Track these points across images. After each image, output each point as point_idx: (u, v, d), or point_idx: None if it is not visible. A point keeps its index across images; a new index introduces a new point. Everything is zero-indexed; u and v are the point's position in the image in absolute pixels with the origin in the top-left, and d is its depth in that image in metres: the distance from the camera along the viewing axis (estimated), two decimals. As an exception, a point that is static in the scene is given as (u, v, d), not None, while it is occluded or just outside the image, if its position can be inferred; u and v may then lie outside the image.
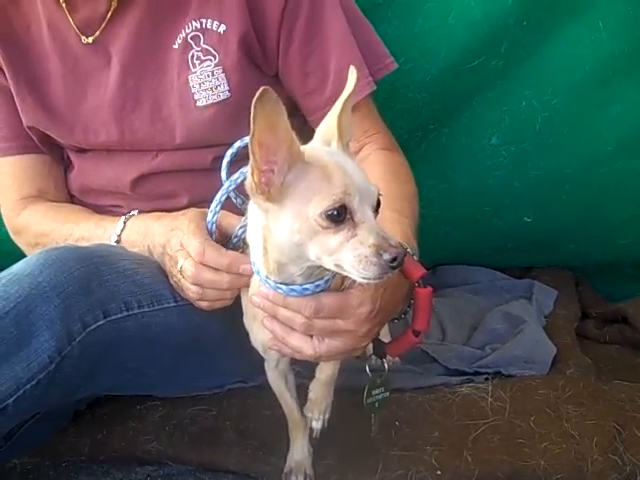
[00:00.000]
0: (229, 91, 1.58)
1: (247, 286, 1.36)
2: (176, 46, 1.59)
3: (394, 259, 1.07)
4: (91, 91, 1.66)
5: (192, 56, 1.59)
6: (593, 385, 1.74)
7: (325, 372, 1.44)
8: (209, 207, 1.39)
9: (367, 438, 1.59)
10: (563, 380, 1.75)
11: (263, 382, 1.71)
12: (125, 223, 1.59)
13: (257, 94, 1.01)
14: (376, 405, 1.48)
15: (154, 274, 1.50)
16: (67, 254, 1.39)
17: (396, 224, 1.42)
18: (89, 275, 1.38)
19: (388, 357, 1.63)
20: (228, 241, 1.41)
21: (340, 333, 1.28)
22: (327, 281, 1.23)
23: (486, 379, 1.80)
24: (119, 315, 1.42)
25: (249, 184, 1.13)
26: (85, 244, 1.56)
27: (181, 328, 1.53)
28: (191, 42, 1.58)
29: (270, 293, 1.25)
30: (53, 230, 1.68)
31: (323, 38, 1.60)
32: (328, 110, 1.22)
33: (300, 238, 1.12)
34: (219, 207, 1.37)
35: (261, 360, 1.52)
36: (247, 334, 1.44)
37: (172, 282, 1.48)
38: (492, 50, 2.00)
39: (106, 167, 1.71)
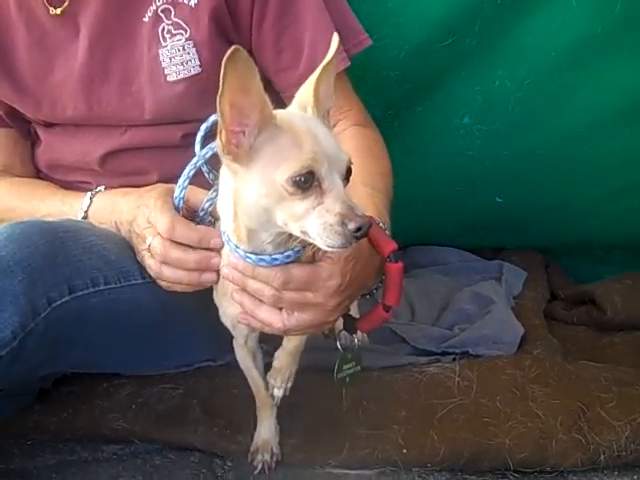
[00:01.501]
0: (200, 66, 1.56)
1: (216, 268, 1.35)
2: (146, 19, 1.56)
3: (358, 229, 1.07)
4: (59, 64, 1.62)
5: (163, 29, 1.56)
6: (559, 365, 1.76)
7: (292, 342, 1.44)
8: (177, 183, 1.37)
9: (334, 417, 1.60)
10: (530, 360, 1.76)
11: (231, 361, 1.72)
12: (92, 199, 1.57)
13: (228, 53, 1.02)
14: (347, 380, 1.49)
15: (121, 250, 1.48)
16: (32, 228, 1.37)
17: (368, 198, 1.42)
18: (55, 250, 1.35)
19: (358, 334, 1.63)
20: (195, 216, 1.39)
21: (309, 306, 1.28)
22: (297, 252, 1.22)
23: (454, 359, 1.81)
24: (85, 291, 1.40)
25: (217, 144, 1.14)
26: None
27: (148, 305, 1.52)
28: (162, 15, 1.56)
29: (240, 264, 1.24)
30: (18, 207, 1.65)
31: (297, 13, 1.59)
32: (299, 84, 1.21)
33: (267, 202, 1.12)
34: (187, 182, 1.36)
35: (230, 338, 1.52)
36: (216, 310, 1.43)
37: (139, 259, 1.46)
38: (466, 29, 1.99)
39: (74, 142, 1.68)
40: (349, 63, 1.64)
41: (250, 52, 1.60)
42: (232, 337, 1.50)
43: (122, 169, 1.66)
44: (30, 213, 1.61)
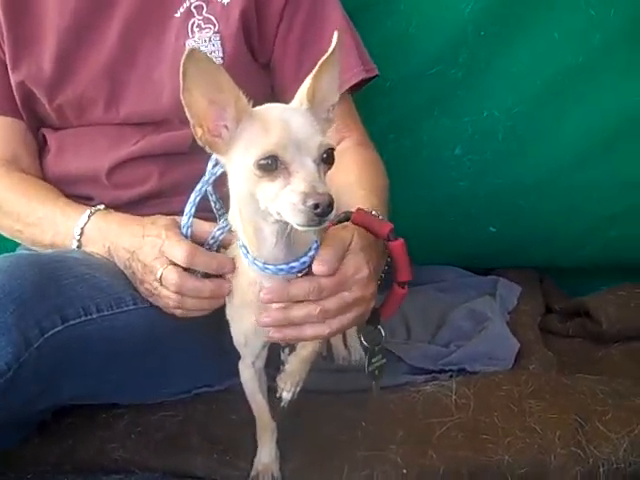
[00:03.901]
0: (222, 58, 1.62)
1: (226, 294, 1.39)
2: (178, 15, 1.64)
3: (316, 205, 1.10)
4: (86, 47, 1.67)
5: (193, 24, 1.64)
6: (555, 379, 1.76)
7: (307, 348, 1.45)
8: (184, 211, 1.40)
9: (333, 439, 1.60)
10: (526, 375, 1.76)
11: (229, 386, 1.74)
12: (90, 217, 1.59)
13: (185, 54, 1.10)
14: (376, 373, 1.52)
15: (113, 277, 1.50)
16: (22, 260, 1.39)
17: (363, 198, 1.50)
18: (45, 280, 1.36)
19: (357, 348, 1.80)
20: (204, 244, 1.41)
21: (350, 305, 1.32)
22: (303, 263, 1.27)
23: (450, 377, 1.82)
24: (77, 320, 1.40)
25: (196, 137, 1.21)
26: (42, 231, 1.60)
27: (143, 331, 1.53)
28: (194, 11, 1.63)
29: (273, 288, 1.29)
30: (13, 202, 1.69)
31: (323, 28, 1.67)
32: None
33: (248, 187, 1.18)
34: (193, 209, 1.38)
35: (227, 362, 1.53)
36: (216, 334, 1.46)
37: (143, 289, 1.47)
38: (450, 59, 2.06)
39: (85, 149, 1.72)
40: (370, 74, 1.75)
41: (266, 65, 1.72)
42: (231, 361, 1.50)
43: (127, 180, 1.70)
44: (26, 213, 1.65)
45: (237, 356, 1.49)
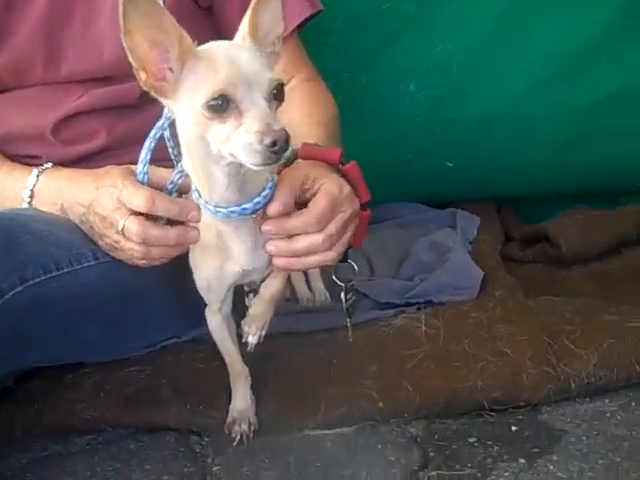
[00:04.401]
0: (163, 3, 1.53)
1: (194, 242, 1.33)
2: None
3: (274, 143, 1.06)
4: (18, 8, 1.58)
5: None
6: (522, 303, 1.78)
7: (270, 289, 1.42)
8: (138, 158, 1.34)
9: (306, 380, 1.59)
10: (493, 301, 1.78)
11: (196, 336, 1.72)
12: (38, 177, 1.53)
13: None
14: (350, 310, 1.52)
15: (70, 233, 1.44)
16: None
17: (311, 131, 1.48)
18: (2, 239, 1.31)
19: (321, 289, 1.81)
20: (163, 190, 1.35)
21: (347, 223, 1.33)
22: (257, 203, 1.23)
23: (418, 309, 1.82)
24: (37, 279, 1.35)
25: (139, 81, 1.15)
26: None
27: (105, 286, 1.48)
28: None
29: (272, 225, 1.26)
30: None
31: None
32: None
33: (197, 131, 1.13)
34: (149, 155, 1.32)
35: (193, 313, 1.50)
36: (182, 282, 1.42)
37: (103, 244, 1.41)
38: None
39: (28, 107, 1.63)
40: (318, 9, 1.73)
41: (209, 9, 1.66)
42: (197, 311, 1.47)
43: (74, 135, 1.62)
44: None
45: (203, 304, 1.46)
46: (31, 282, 1.34)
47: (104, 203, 1.35)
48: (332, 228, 1.30)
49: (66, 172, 1.53)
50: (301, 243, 1.29)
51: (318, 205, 1.28)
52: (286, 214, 1.27)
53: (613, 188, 2.31)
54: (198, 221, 1.29)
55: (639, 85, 2.11)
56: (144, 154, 1.32)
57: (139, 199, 1.30)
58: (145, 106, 1.49)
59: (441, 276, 1.92)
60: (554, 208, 2.36)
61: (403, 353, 1.63)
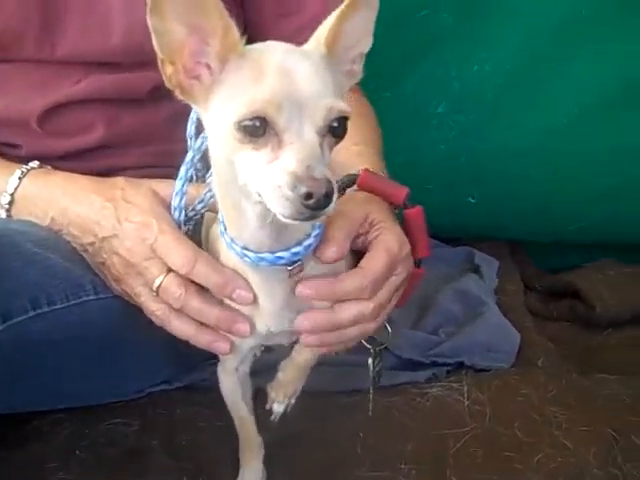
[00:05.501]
0: None
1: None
2: None
3: (309, 195, 0.78)
4: None
5: None
6: (575, 381, 1.55)
7: (304, 354, 1.17)
8: (174, 189, 1.06)
9: (328, 456, 1.33)
10: (542, 375, 1.55)
11: (190, 382, 1.46)
12: (21, 180, 1.22)
13: None
14: (376, 379, 1.27)
15: (69, 259, 1.15)
16: None
17: (360, 155, 1.25)
18: None
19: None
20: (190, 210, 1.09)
21: (399, 285, 1.10)
22: (295, 254, 0.95)
23: (448, 371, 1.57)
24: (23, 316, 1.08)
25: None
26: None
27: (101, 325, 1.21)
28: None
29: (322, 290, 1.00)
30: None
31: None
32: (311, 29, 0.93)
33: (226, 151, 0.86)
34: (186, 186, 1.04)
35: (186, 355, 1.27)
36: None
37: (118, 289, 1.14)
38: (441, 1, 1.84)
39: (12, 87, 1.34)
40: None
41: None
42: (192, 352, 1.16)
43: (65, 127, 1.34)
44: None
45: (209, 355, 1.17)
46: (15, 320, 1.07)
47: (134, 248, 1.06)
48: (384, 295, 1.06)
49: (60, 178, 1.22)
50: (348, 312, 1.03)
51: (376, 265, 1.04)
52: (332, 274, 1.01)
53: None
54: (248, 303, 1.02)
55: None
56: (180, 185, 1.05)
57: (178, 257, 1.02)
58: (155, 102, 1.25)
59: (474, 334, 1.68)
60: (572, 256, 2.17)
61: (444, 432, 1.38)
